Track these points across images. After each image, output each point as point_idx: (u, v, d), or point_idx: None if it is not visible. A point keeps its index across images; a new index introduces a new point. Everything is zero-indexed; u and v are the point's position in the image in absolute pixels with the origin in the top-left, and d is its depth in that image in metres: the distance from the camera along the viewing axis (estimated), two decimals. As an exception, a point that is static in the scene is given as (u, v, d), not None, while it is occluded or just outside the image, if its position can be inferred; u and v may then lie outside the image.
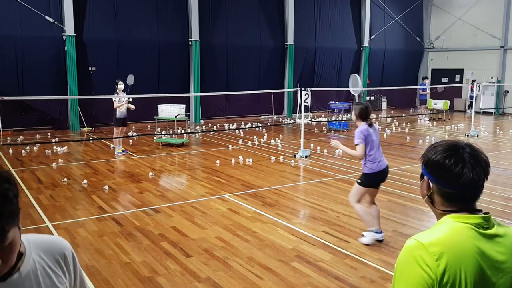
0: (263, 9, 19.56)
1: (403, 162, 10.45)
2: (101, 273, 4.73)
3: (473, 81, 18.13)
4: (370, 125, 5.55)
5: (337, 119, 16.54)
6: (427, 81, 19.60)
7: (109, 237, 5.75)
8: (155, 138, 13.43)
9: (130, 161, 10.57)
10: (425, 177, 1.62)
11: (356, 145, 5.45)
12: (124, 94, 11.13)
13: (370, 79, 23.18)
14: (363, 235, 5.64)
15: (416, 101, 25.19)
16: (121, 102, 11.00)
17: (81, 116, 15.67)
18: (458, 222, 1.52)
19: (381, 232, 5.58)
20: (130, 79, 11.58)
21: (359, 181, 5.54)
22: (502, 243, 1.52)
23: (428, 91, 19.09)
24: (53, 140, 12.92)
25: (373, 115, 5.65)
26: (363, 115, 5.54)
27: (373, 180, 5.52)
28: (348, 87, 10.83)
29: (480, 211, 1.56)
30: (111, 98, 11.06)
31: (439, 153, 1.55)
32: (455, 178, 1.51)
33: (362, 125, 5.54)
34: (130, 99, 11.21)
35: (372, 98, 23.36)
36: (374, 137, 5.51)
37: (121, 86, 11.00)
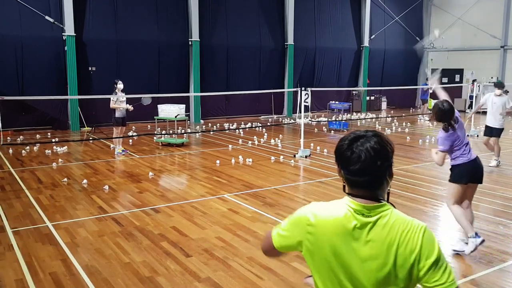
0: (263, 9, 19.56)
1: (403, 162, 10.45)
2: (101, 273, 4.73)
3: (474, 81, 18.14)
4: (445, 129, 5.07)
5: (337, 119, 16.53)
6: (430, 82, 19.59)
7: (109, 237, 5.75)
8: (155, 138, 13.43)
9: (130, 161, 10.57)
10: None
11: (440, 150, 5.09)
12: (123, 94, 11.12)
13: (370, 79, 23.18)
14: (464, 243, 5.23)
15: (417, 101, 25.21)
16: (119, 102, 10.98)
17: (81, 116, 15.67)
18: (346, 203, 1.70)
19: (479, 236, 5.09)
20: (147, 101, 11.69)
21: (450, 178, 5.21)
22: (374, 230, 1.64)
23: (430, 91, 19.09)
24: (53, 140, 12.92)
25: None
26: (438, 116, 5.07)
27: (460, 174, 5.10)
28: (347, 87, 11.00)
29: (380, 201, 1.67)
30: (110, 98, 11.05)
31: (343, 140, 1.73)
32: (347, 164, 1.67)
33: (440, 131, 5.13)
34: (131, 107, 11.23)
35: (372, 98, 23.36)
36: (459, 133, 5.08)
37: (120, 86, 10.99)
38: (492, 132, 9.97)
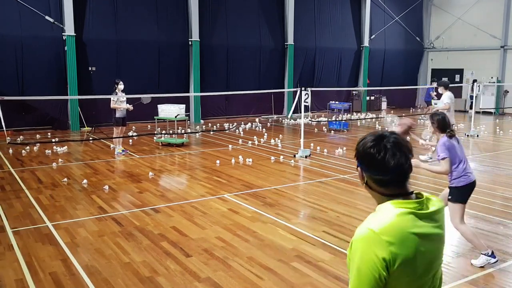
0: (263, 9, 19.55)
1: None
2: (101, 273, 4.73)
3: (474, 81, 18.13)
4: (451, 136, 5.03)
5: (337, 119, 16.53)
6: (435, 84, 19.49)
7: (109, 237, 5.75)
8: (155, 138, 13.43)
9: (130, 161, 10.57)
10: (358, 167, 1.78)
11: (440, 159, 4.95)
12: (123, 94, 11.12)
13: (370, 79, 23.18)
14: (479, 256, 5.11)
15: (417, 101, 25.22)
16: (119, 102, 10.98)
17: (81, 116, 15.67)
18: (399, 207, 1.65)
19: (494, 256, 4.98)
20: (147, 100, 11.67)
21: (449, 197, 5.05)
22: (437, 217, 1.70)
23: (435, 93, 19.03)
24: (53, 140, 12.92)
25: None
26: (442, 127, 5.08)
27: (464, 194, 5.03)
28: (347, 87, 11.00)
29: (412, 192, 1.72)
30: (110, 98, 11.05)
31: (366, 143, 1.73)
32: (379, 165, 1.67)
33: (442, 138, 5.05)
34: (131, 107, 11.24)
35: (372, 98, 23.36)
36: (458, 149, 5.03)
37: (121, 86, 10.99)
38: None
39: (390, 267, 1.57)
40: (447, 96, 10.69)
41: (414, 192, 1.73)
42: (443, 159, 4.90)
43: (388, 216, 1.64)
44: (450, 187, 5.06)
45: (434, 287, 1.74)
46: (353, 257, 1.63)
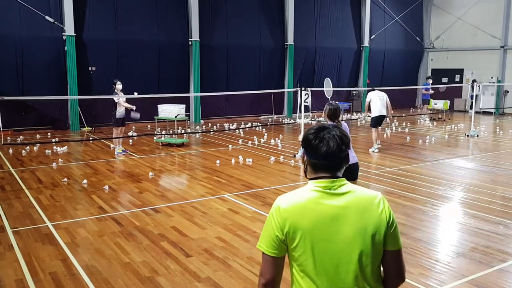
0: (263, 9, 19.55)
1: (403, 162, 10.45)
2: (101, 273, 4.73)
3: (474, 81, 18.12)
4: (337, 126, 5.62)
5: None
6: (431, 81, 19.55)
7: (109, 237, 5.75)
8: (155, 138, 13.43)
9: (130, 161, 10.57)
10: (302, 151, 2.05)
11: None
12: (122, 94, 11.12)
13: (370, 79, 23.17)
14: None
15: (417, 101, 25.21)
16: (122, 101, 11.00)
17: (81, 116, 15.67)
18: (313, 185, 1.95)
19: None
20: (136, 116, 11.65)
21: None
22: (344, 198, 1.92)
23: (431, 91, 19.07)
24: (53, 140, 12.92)
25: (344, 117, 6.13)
26: (331, 116, 5.86)
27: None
28: (334, 87, 11.25)
29: (338, 178, 1.96)
30: (111, 98, 11.05)
31: (308, 131, 2.02)
32: (314, 149, 1.96)
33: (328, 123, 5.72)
34: (133, 106, 11.25)
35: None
36: None
37: (119, 86, 10.99)
38: (382, 121, 12.12)
39: (284, 230, 1.88)
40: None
41: (344, 179, 1.97)
42: None
43: (299, 192, 1.97)
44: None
45: (353, 272, 1.88)
46: (266, 220, 2.00)
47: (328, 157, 1.94)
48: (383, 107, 11.70)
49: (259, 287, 1.96)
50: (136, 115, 11.55)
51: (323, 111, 6.08)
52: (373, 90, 12.16)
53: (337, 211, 1.89)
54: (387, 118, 13.80)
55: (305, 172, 2.05)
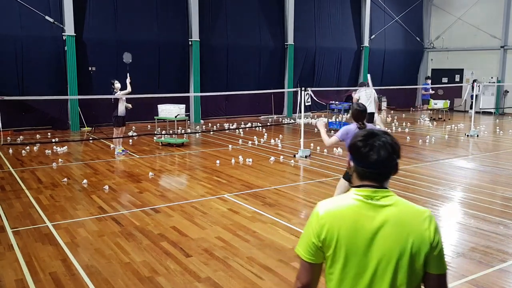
0: (263, 9, 19.55)
1: (403, 162, 10.45)
2: (101, 273, 4.73)
3: (474, 81, 18.12)
4: (361, 127, 5.52)
5: (337, 119, 16.53)
6: (430, 81, 19.57)
7: (109, 237, 5.75)
8: (155, 138, 13.43)
9: (130, 161, 10.57)
10: (348, 158, 1.99)
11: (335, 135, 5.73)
12: (121, 93, 11.13)
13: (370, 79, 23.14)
14: None
15: (417, 101, 25.20)
16: (123, 100, 11.01)
17: (81, 116, 15.67)
18: (354, 194, 1.87)
19: None
20: (127, 57, 11.59)
21: (344, 175, 5.74)
22: (385, 211, 1.81)
23: (431, 91, 19.08)
24: (53, 140, 12.92)
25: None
26: (355, 117, 5.69)
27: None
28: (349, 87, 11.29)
29: (384, 188, 1.87)
30: (111, 99, 11.06)
31: (357, 137, 1.91)
32: (363, 157, 1.86)
33: (352, 124, 5.66)
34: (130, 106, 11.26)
35: (372, 98, 23.33)
36: None
37: (117, 85, 11.01)
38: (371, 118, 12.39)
39: (320, 237, 1.84)
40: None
41: (390, 191, 1.87)
42: (336, 136, 5.66)
43: (340, 200, 1.90)
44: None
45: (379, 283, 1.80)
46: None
47: (378, 166, 1.85)
48: (370, 104, 12.11)
49: None
50: (128, 58, 11.66)
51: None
52: (363, 85, 12.95)
53: (375, 224, 1.80)
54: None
55: (349, 179, 1.98)
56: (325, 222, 1.84)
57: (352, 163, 1.94)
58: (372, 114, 12.25)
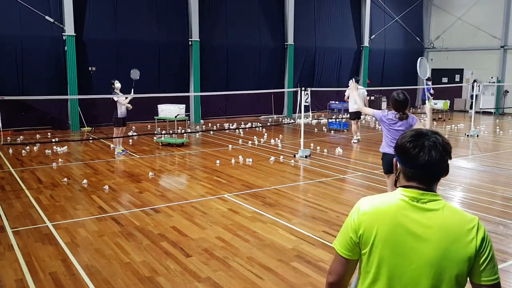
0: (263, 9, 19.55)
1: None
2: (101, 273, 4.73)
3: (475, 81, 18.12)
4: (401, 118, 5.56)
5: (337, 119, 16.53)
6: (431, 82, 19.56)
7: (109, 237, 5.75)
8: (155, 138, 13.43)
9: (130, 161, 10.57)
10: (395, 158, 1.90)
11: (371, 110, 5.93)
12: (121, 94, 11.12)
13: (370, 79, 23.17)
14: None
15: (417, 101, 25.20)
16: (126, 97, 11.02)
17: (81, 116, 15.67)
18: (400, 193, 1.81)
19: None
20: (135, 74, 11.60)
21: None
22: (430, 216, 1.75)
23: (432, 92, 19.06)
24: (53, 140, 12.92)
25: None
26: (395, 106, 5.59)
27: (383, 162, 5.89)
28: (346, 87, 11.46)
29: (431, 191, 1.80)
30: (111, 98, 11.05)
31: (405, 138, 1.83)
32: (413, 159, 1.77)
33: (392, 112, 5.65)
34: (130, 105, 11.24)
35: (372, 98, 23.35)
36: (397, 126, 5.63)
37: (118, 85, 11.00)
38: (359, 115, 13.57)
39: (357, 231, 1.80)
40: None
41: (438, 195, 1.80)
42: (373, 113, 5.87)
43: (385, 198, 1.84)
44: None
45: None
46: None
47: (427, 168, 1.76)
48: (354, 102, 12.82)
49: (326, 285, 1.89)
50: (136, 75, 11.68)
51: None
52: (356, 82, 13.25)
53: (418, 228, 1.73)
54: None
55: (396, 181, 1.89)
56: (364, 219, 1.79)
57: (398, 164, 1.87)
58: (359, 112, 13.21)
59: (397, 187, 1.86)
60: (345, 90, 19.90)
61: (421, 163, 1.75)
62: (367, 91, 22.56)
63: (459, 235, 1.72)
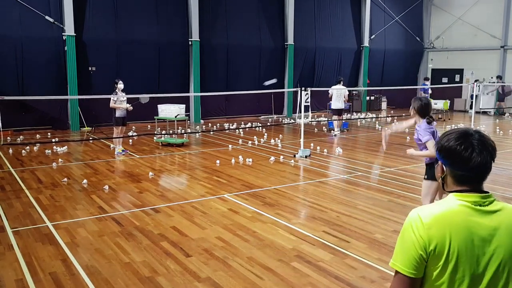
0: (263, 9, 19.55)
1: (403, 162, 10.45)
2: (101, 273, 4.73)
3: (476, 80, 18.13)
4: (429, 122, 5.33)
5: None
6: (428, 82, 19.58)
7: (109, 237, 5.75)
8: (155, 138, 13.43)
9: (130, 161, 10.57)
10: (439, 162, 1.82)
11: (426, 142, 5.19)
12: (123, 94, 11.13)
13: (370, 79, 23.17)
14: None
15: (416, 101, 25.17)
16: (119, 102, 11.00)
17: (81, 116, 15.67)
18: (458, 199, 1.73)
19: None
20: (144, 99, 11.64)
21: (425, 176, 5.33)
22: (496, 218, 1.70)
23: (430, 91, 19.09)
24: (53, 140, 12.92)
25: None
26: (422, 111, 5.29)
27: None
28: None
29: (485, 192, 1.75)
30: (111, 98, 11.06)
31: (451, 140, 1.75)
32: (466, 161, 1.71)
33: (423, 123, 5.28)
34: (130, 107, 11.24)
35: (372, 98, 23.36)
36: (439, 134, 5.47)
37: (120, 85, 11.00)
38: (339, 112, 15.07)
39: (428, 248, 1.66)
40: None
41: (492, 195, 1.75)
42: (427, 141, 5.19)
43: (444, 206, 1.73)
44: (427, 164, 5.38)
45: None
46: (399, 235, 1.76)
47: (481, 169, 1.71)
48: (338, 100, 14.69)
49: None
50: (146, 100, 11.66)
51: (411, 107, 5.40)
52: (339, 82, 15.01)
53: (489, 232, 1.68)
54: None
55: (443, 185, 1.83)
56: (433, 233, 1.66)
57: (445, 167, 1.79)
58: (341, 109, 14.93)
59: (447, 192, 1.80)
60: (347, 91, 20.03)
61: (474, 165, 1.69)
62: (367, 91, 22.75)
63: None
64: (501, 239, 1.69)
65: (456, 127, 1.84)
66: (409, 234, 1.70)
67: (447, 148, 1.76)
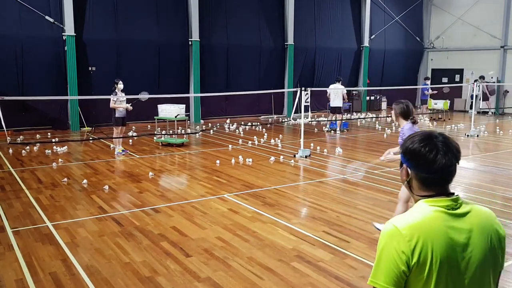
0: (263, 9, 19.55)
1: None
2: (101, 273, 4.73)
3: (476, 80, 18.12)
4: (414, 122, 5.38)
5: (336, 119, 16.50)
6: (429, 82, 19.58)
7: (109, 237, 5.75)
8: (155, 138, 13.43)
9: (130, 161, 10.57)
10: (404, 165, 1.79)
11: None
12: (123, 94, 11.13)
13: (370, 79, 23.17)
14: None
15: (417, 101, 25.22)
16: (119, 102, 11.00)
17: (81, 116, 15.67)
18: (430, 205, 1.69)
19: None
20: (144, 97, 11.62)
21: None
22: (468, 220, 1.69)
23: (430, 92, 19.08)
24: (53, 140, 12.92)
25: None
26: (404, 114, 5.38)
27: None
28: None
29: (452, 194, 1.73)
30: (110, 98, 11.06)
31: (416, 142, 1.73)
32: (430, 163, 1.68)
33: (406, 124, 5.38)
34: (130, 106, 11.23)
35: (372, 98, 23.36)
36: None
37: (120, 86, 11.00)
38: (336, 110, 15.69)
39: (410, 262, 1.60)
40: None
41: (455, 194, 1.73)
42: None
43: (417, 214, 1.68)
44: None
45: None
46: (377, 249, 1.69)
47: (446, 171, 1.68)
48: (336, 99, 15.40)
49: None
50: (145, 97, 11.61)
51: (392, 111, 5.52)
52: (338, 81, 15.76)
53: (465, 235, 1.65)
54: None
55: (410, 188, 1.79)
56: (414, 242, 1.60)
57: (409, 170, 1.76)
58: (339, 108, 15.57)
59: (415, 196, 1.77)
60: (345, 90, 20.04)
61: (439, 167, 1.67)
62: (367, 91, 22.75)
63: (492, 228, 1.72)
64: (475, 241, 1.67)
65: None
66: (389, 250, 1.63)
67: (411, 150, 1.73)
